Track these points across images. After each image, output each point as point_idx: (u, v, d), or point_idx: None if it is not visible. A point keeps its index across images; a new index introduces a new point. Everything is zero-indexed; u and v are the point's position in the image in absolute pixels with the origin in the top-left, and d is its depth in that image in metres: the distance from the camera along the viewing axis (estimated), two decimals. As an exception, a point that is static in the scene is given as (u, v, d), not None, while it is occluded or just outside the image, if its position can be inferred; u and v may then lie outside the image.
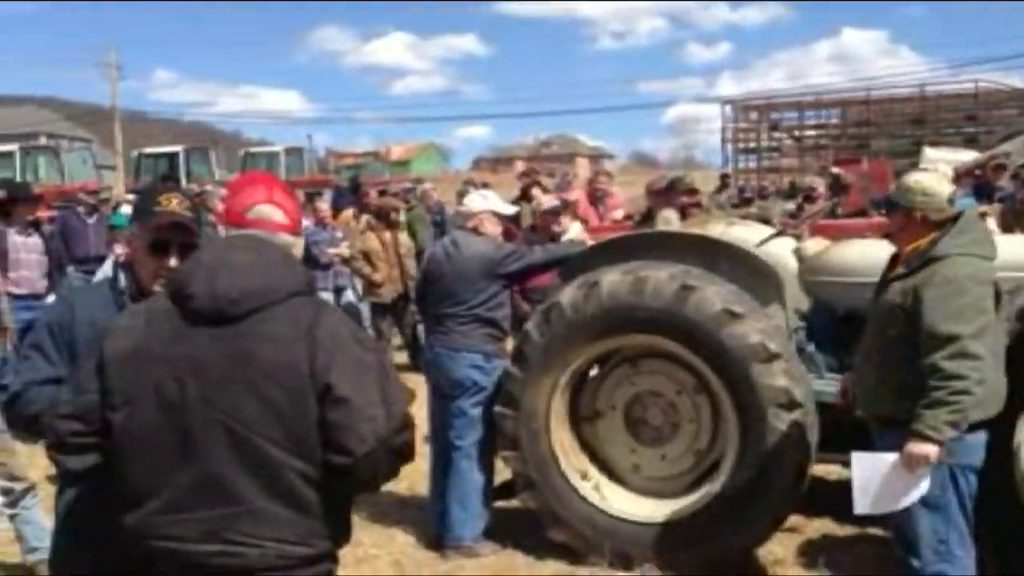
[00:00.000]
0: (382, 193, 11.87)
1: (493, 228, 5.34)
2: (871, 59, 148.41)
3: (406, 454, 2.21)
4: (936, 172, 4.34)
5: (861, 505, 3.70)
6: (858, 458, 3.71)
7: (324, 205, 10.62)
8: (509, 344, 5.28)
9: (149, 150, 29.01)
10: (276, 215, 2.35)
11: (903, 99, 22.89)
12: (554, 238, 6.56)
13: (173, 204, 2.70)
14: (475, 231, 5.28)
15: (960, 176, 10.26)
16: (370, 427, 2.09)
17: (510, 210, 5.79)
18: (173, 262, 2.64)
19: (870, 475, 3.65)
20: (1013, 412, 3.88)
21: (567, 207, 7.03)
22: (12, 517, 4.62)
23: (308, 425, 2.09)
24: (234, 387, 2.09)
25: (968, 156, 12.93)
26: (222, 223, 2.38)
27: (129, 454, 2.12)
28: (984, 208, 7.47)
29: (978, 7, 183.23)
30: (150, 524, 2.10)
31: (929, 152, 12.90)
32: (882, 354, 3.70)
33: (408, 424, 2.19)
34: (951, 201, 3.72)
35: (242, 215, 2.33)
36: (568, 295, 4.84)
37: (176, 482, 2.09)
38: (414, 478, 5.60)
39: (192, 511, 2.08)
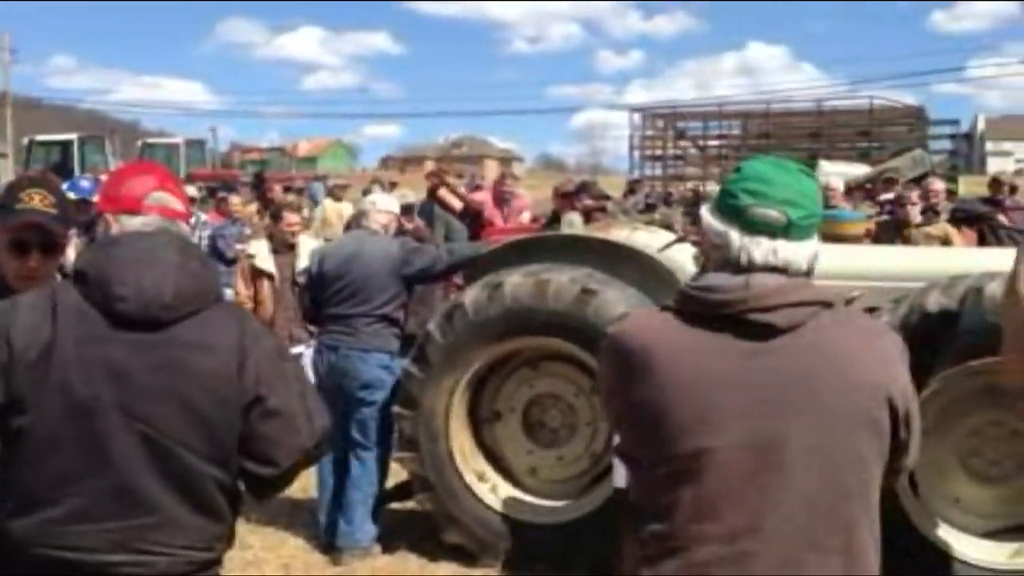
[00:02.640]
0: (287, 189, 11.65)
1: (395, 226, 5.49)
2: (774, 73, 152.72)
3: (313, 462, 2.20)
4: None
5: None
6: None
7: (235, 198, 10.36)
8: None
9: (41, 138, 27.86)
10: (175, 202, 2.22)
11: (801, 113, 23.61)
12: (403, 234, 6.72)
13: (35, 202, 2.57)
14: (385, 231, 5.35)
15: (852, 189, 10.67)
16: (297, 440, 2.10)
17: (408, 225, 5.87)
18: (34, 263, 2.54)
19: None
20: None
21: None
22: None
23: (232, 435, 2.05)
24: (160, 397, 2.00)
25: (861, 170, 13.44)
26: (111, 211, 2.20)
27: (28, 460, 1.99)
28: (867, 224, 7.78)
29: (876, 26, 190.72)
30: (49, 533, 1.97)
31: (824, 165, 13.34)
32: None
33: (327, 436, 2.20)
34: None
35: (140, 201, 2.16)
36: (471, 296, 4.83)
37: (84, 491, 1.98)
38: (305, 480, 5.49)
39: (102, 521, 1.98)
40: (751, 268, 1.77)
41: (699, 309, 1.77)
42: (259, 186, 15.64)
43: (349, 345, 5.06)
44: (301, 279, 6.00)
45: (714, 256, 1.83)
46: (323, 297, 5.20)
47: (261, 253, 6.41)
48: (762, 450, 1.69)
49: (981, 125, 63.86)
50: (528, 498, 4.97)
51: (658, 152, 25.22)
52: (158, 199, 2.19)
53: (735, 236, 1.79)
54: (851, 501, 1.72)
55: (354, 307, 5.07)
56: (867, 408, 1.72)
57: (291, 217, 6.54)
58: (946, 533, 4.39)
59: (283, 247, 6.40)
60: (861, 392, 1.72)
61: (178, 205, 2.24)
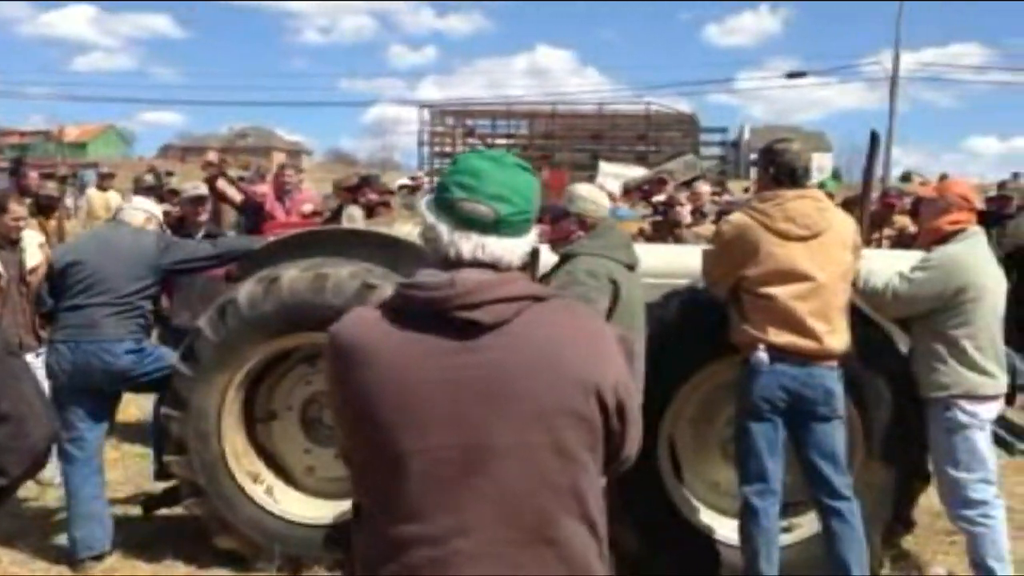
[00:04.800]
0: (46, 176, 10.80)
1: (153, 226, 5.22)
2: (562, 76, 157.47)
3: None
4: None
5: None
6: None
7: (-27, 185, 9.49)
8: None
9: None
10: None
11: (584, 115, 24.59)
12: (196, 228, 6.42)
13: None
14: (134, 222, 5.10)
15: (630, 191, 11.15)
16: (27, 444, 1.94)
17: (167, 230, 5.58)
18: None
19: None
20: (658, 406, 4.23)
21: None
22: None
23: None
24: None
25: (638, 172, 14.08)
26: None
27: None
28: (641, 224, 8.17)
29: (657, 35, 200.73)
30: None
31: (604, 166, 13.90)
32: None
33: (57, 438, 2.00)
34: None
35: None
36: (245, 291, 4.65)
37: None
38: (60, 490, 5.11)
39: None
40: (459, 263, 1.76)
41: (409, 307, 1.75)
42: (17, 172, 14.38)
43: (91, 339, 4.71)
44: (32, 278, 5.53)
45: (428, 249, 1.82)
46: (66, 286, 4.83)
47: None
48: (468, 449, 1.68)
49: (747, 134, 68.44)
50: (306, 498, 4.85)
51: (448, 149, 25.45)
52: None
53: (445, 230, 1.77)
54: (561, 495, 1.72)
55: (97, 296, 4.75)
56: (572, 402, 1.71)
57: (17, 209, 5.78)
58: (707, 517, 4.65)
59: (6, 243, 5.69)
60: (566, 387, 1.71)
61: None
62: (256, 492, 4.71)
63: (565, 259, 4.03)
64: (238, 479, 4.68)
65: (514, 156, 1.89)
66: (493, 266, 1.76)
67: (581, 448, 1.73)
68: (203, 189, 7.03)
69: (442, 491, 1.68)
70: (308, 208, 8.42)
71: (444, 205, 1.79)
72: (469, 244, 1.75)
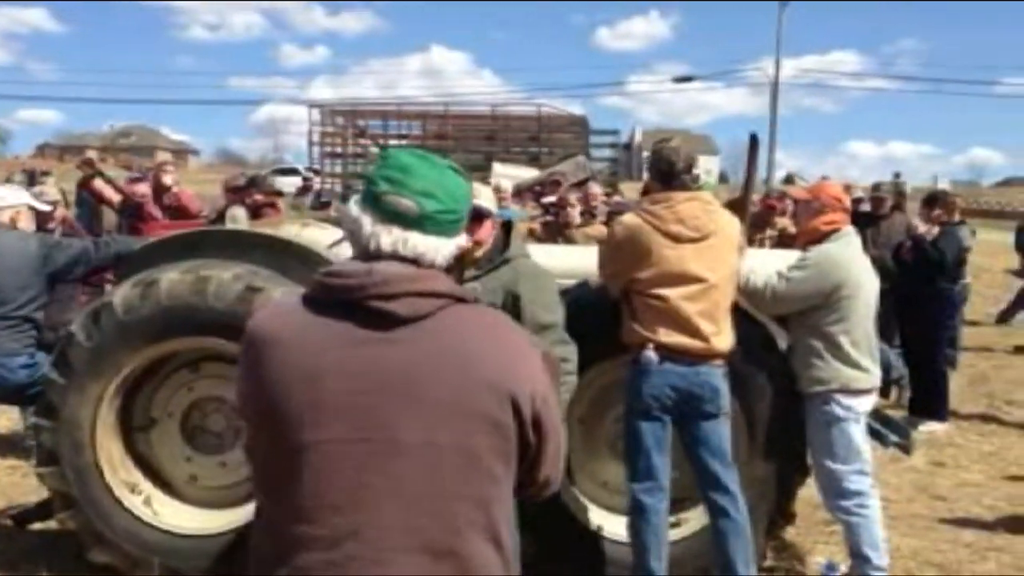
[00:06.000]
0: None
1: (29, 223, 4.97)
2: (456, 77, 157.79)
3: None
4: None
5: None
6: None
7: None
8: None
9: None
10: None
11: (477, 116, 24.62)
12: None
13: None
14: (13, 224, 4.86)
15: (522, 191, 11.21)
16: None
17: (44, 207, 5.33)
18: None
19: None
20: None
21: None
22: None
23: None
24: None
25: (530, 173, 14.18)
26: None
27: None
28: (531, 224, 8.22)
29: (550, 38, 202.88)
30: None
31: (497, 167, 13.95)
32: None
33: None
34: None
35: None
36: (121, 294, 4.46)
37: None
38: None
39: None
40: (379, 255, 1.72)
41: (324, 296, 1.71)
42: None
43: None
44: None
45: (351, 243, 1.79)
46: None
47: None
48: (370, 444, 1.62)
49: (639, 137, 69.63)
50: (188, 508, 4.68)
51: (338, 149, 25.14)
52: None
53: (367, 222, 1.74)
54: (462, 502, 1.64)
55: None
56: (486, 406, 1.65)
57: None
58: (597, 515, 4.69)
59: None
60: (480, 390, 1.66)
61: None
62: (134, 503, 4.52)
63: (502, 263, 3.83)
64: (114, 490, 4.48)
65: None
66: (415, 262, 1.72)
67: (492, 457, 1.67)
68: (52, 195, 6.72)
69: (339, 488, 1.62)
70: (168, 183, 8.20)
71: (369, 198, 1.76)
72: (389, 238, 1.72)
